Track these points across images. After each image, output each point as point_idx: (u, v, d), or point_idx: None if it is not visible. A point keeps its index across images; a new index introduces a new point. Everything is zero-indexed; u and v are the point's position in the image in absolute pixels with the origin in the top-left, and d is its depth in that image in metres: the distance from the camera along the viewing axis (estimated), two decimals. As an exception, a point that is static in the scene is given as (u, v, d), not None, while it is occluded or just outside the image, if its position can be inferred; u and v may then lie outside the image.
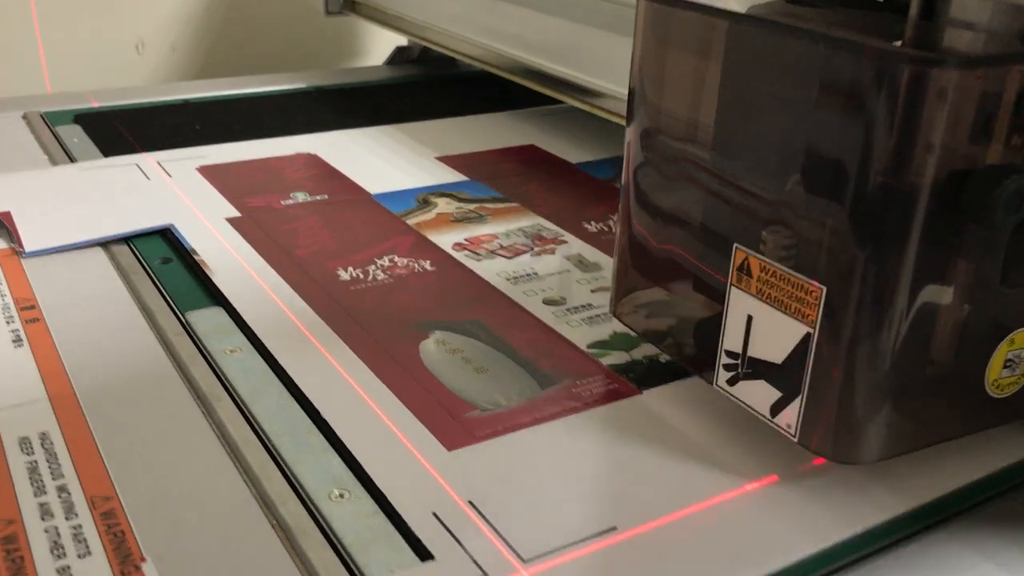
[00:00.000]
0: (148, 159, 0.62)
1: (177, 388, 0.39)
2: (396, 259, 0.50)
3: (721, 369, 0.35)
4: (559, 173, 0.64)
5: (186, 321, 0.43)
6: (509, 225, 0.55)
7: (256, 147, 0.66)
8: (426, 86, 0.85)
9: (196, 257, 0.49)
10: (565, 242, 0.53)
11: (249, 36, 1.02)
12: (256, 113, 0.75)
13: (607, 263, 0.50)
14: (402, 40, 0.90)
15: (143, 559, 0.29)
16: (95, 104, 0.74)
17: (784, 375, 0.32)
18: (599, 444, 0.36)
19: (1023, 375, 0.33)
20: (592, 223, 0.55)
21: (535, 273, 0.49)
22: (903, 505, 0.32)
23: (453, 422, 0.36)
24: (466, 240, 0.52)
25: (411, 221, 0.55)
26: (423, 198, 0.58)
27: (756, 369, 0.33)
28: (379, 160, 0.64)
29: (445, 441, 0.35)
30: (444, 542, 0.30)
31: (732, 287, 0.33)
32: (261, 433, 0.36)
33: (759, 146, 0.32)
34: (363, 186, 0.59)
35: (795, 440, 0.32)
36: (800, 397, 0.32)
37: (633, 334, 0.42)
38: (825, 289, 0.30)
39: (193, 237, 0.51)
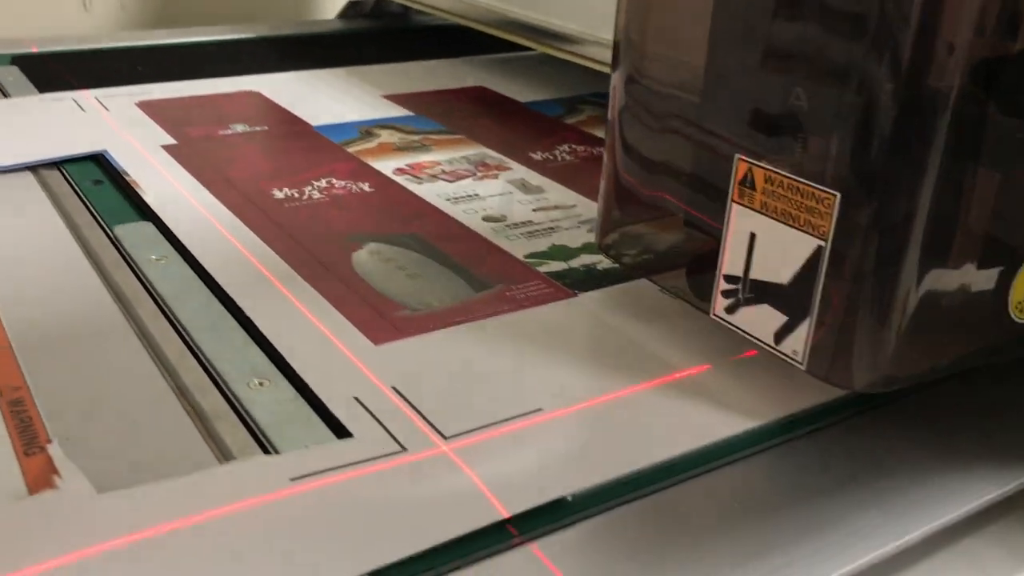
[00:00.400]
0: (86, 95, 0.61)
1: (99, 293, 0.37)
2: (334, 181, 0.49)
3: (719, 296, 0.32)
4: (508, 111, 0.63)
5: (113, 235, 0.42)
6: (453, 154, 0.54)
7: (200, 86, 0.64)
8: (377, 37, 0.84)
9: (128, 178, 0.48)
10: (509, 168, 0.52)
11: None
12: (202, 58, 0.73)
13: (551, 187, 0.50)
14: None
15: (48, 441, 0.28)
16: (35, 50, 0.72)
17: (790, 297, 0.29)
18: (531, 339, 0.35)
19: None
20: (538, 153, 0.54)
21: (476, 194, 0.48)
22: (829, 394, 0.32)
23: (382, 320, 0.35)
24: (407, 166, 0.51)
25: (352, 149, 0.54)
26: (366, 130, 0.57)
27: (759, 293, 0.30)
28: (324, 98, 0.63)
29: (372, 336, 0.34)
30: (364, 422, 0.29)
31: (733, 204, 0.30)
32: (182, 330, 0.35)
33: (766, 47, 0.29)
34: (306, 120, 0.58)
35: (803, 368, 0.29)
36: (809, 319, 0.28)
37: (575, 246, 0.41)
38: (839, 195, 0.27)
39: (127, 162, 0.50)
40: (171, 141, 0.53)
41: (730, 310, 0.31)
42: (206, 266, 0.39)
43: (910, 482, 0.29)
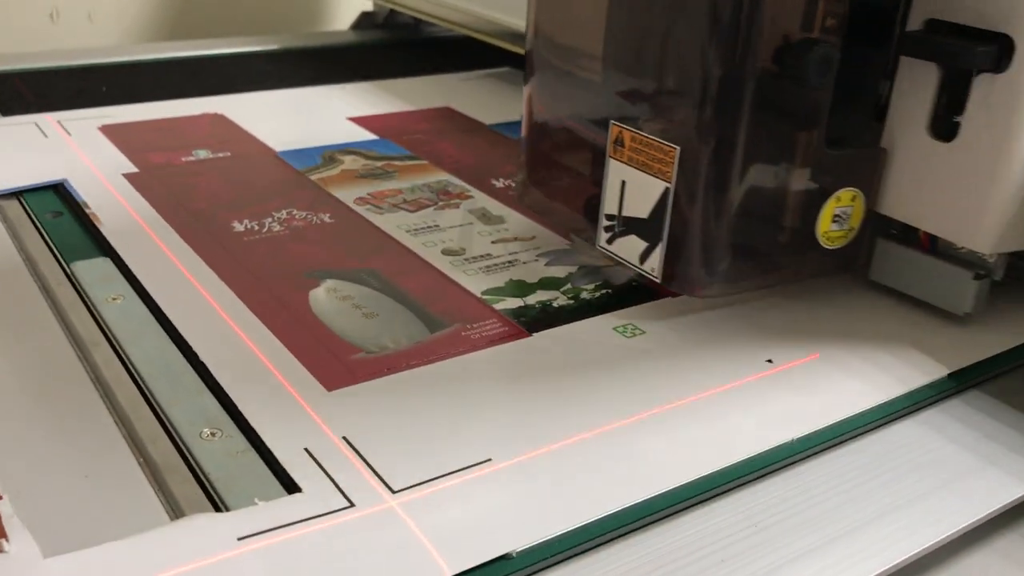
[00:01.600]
0: (48, 118, 0.61)
1: (54, 334, 0.38)
2: (295, 212, 0.49)
3: (602, 231, 0.41)
4: (472, 133, 0.63)
5: (70, 271, 0.42)
6: (415, 181, 0.54)
7: (164, 108, 0.64)
8: (346, 51, 0.84)
9: (87, 210, 0.48)
10: (471, 197, 0.52)
11: (169, 4, 0.99)
12: (165, 76, 0.73)
13: (511, 216, 0.50)
14: (367, 4, 0.91)
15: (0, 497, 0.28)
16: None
17: (649, 227, 0.38)
18: (483, 383, 0.35)
19: (851, 229, 0.40)
20: (500, 180, 0.55)
21: (437, 225, 0.49)
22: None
23: (336, 363, 0.36)
24: (369, 195, 0.52)
25: (315, 177, 0.54)
26: (329, 155, 0.57)
27: (628, 226, 0.39)
28: (288, 120, 0.63)
29: (324, 381, 0.35)
30: (313, 475, 0.30)
31: (610, 159, 0.39)
32: (136, 375, 0.35)
33: (629, 43, 0.39)
34: (269, 144, 0.58)
35: (658, 280, 0.39)
36: (661, 244, 0.38)
37: (529, 282, 0.42)
38: (679, 148, 0.36)
39: (88, 192, 0.50)
40: (132, 169, 0.53)
41: (609, 241, 0.41)
42: (162, 307, 0.39)
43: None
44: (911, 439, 0.34)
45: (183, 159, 0.55)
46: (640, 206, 0.38)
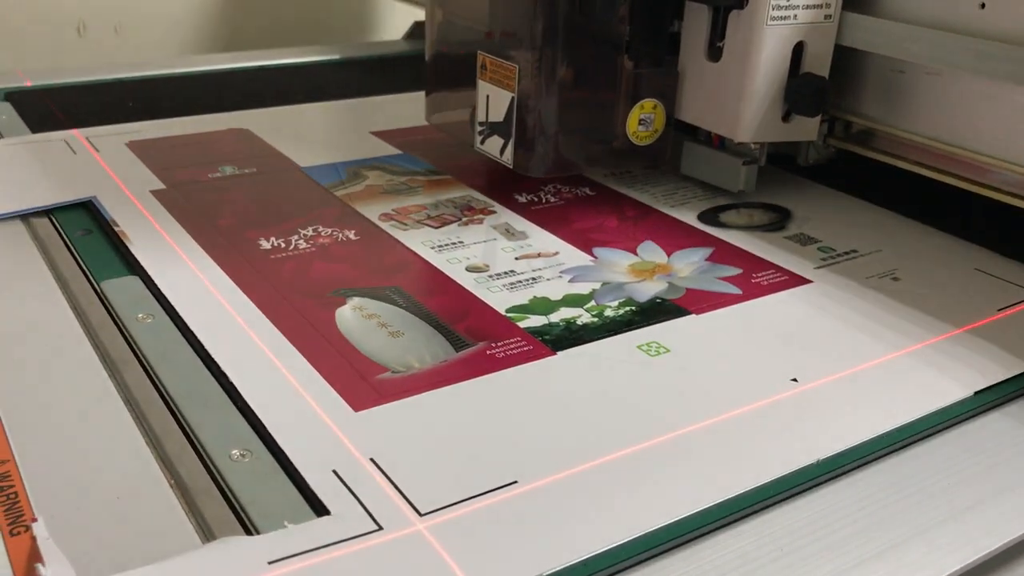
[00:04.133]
0: (77, 135, 0.61)
1: (85, 354, 0.38)
2: (321, 229, 0.49)
3: (476, 135, 0.55)
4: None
5: (101, 290, 0.43)
6: (439, 196, 0.55)
7: (189, 123, 0.65)
8: (369, 65, 0.84)
9: (117, 228, 0.48)
10: (494, 212, 0.53)
11: (196, 16, 1.00)
12: (191, 90, 0.74)
13: (535, 232, 0.50)
14: (419, 14, 0.91)
15: (34, 519, 0.29)
16: (28, 83, 0.73)
17: (504, 128, 0.53)
18: (508, 403, 0.36)
19: (655, 131, 0.54)
20: (523, 195, 0.55)
21: (461, 241, 0.49)
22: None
23: (362, 383, 0.36)
24: (393, 211, 0.52)
25: (340, 193, 0.54)
26: (354, 171, 0.58)
27: (492, 128, 0.54)
28: (313, 135, 0.64)
29: (352, 402, 0.35)
30: (342, 498, 0.30)
31: (479, 80, 0.54)
32: (166, 395, 0.35)
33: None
34: (294, 160, 0.59)
35: (510, 166, 0.53)
36: (511, 139, 0.52)
37: (552, 299, 0.42)
38: (517, 67, 0.51)
39: (115, 210, 0.50)
40: (160, 185, 0.54)
41: (482, 142, 0.55)
42: (191, 326, 0.40)
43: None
44: (938, 459, 0.34)
45: (209, 175, 0.56)
46: (498, 112, 0.53)
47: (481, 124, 0.54)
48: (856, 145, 0.55)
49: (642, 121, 0.53)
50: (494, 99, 0.52)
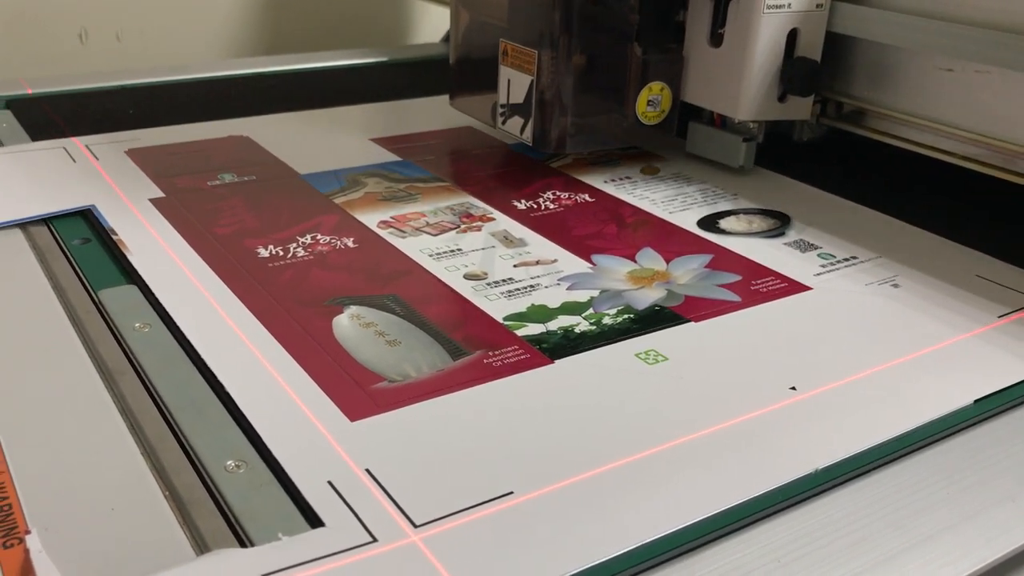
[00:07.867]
0: (77, 143, 0.61)
1: (82, 364, 0.38)
2: (319, 236, 0.49)
3: (498, 116, 0.60)
4: (495, 153, 0.63)
5: (98, 299, 0.43)
6: (438, 204, 0.54)
7: (189, 130, 0.65)
8: (366, 72, 0.84)
9: (115, 237, 0.48)
10: (493, 219, 0.53)
11: (198, 24, 1.01)
12: (191, 97, 0.74)
13: (533, 239, 0.50)
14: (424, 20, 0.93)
15: (27, 531, 0.29)
16: (29, 91, 0.73)
17: (524, 108, 0.58)
18: (505, 413, 0.35)
19: (662, 112, 0.60)
20: (522, 201, 0.55)
21: (459, 249, 0.49)
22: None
23: (359, 393, 0.36)
24: (392, 218, 0.52)
25: (338, 200, 0.54)
26: (353, 178, 0.58)
27: (512, 109, 0.59)
28: (312, 142, 0.64)
29: (348, 411, 0.35)
30: (337, 509, 0.30)
31: (501, 65, 0.59)
32: (162, 406, 0.35)
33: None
34: (293, 167, 0.59)
35: (531, 144, 0.58)
36: (531, 118, 0.57)
37: (550, 307, 0.42)
38: (537, 52, 0.55)
39: (114, 218, 0.50)
40: (159, 194, 0.54)
41: (503, 123, 0.60)
42: (188, 335, 0.39)
43: None
44: (939, 468, 0.34)
45: (209, 183, 0.56)
46: (518, 94, 0.58)
47: (503, 106, 0.59)
48: (847, 124, 0.60)
49: (650, 102, 0.58)
50: (515, 82, 0.57)
